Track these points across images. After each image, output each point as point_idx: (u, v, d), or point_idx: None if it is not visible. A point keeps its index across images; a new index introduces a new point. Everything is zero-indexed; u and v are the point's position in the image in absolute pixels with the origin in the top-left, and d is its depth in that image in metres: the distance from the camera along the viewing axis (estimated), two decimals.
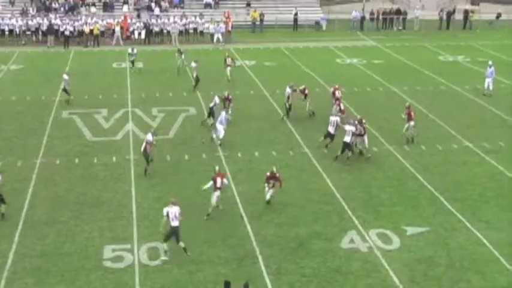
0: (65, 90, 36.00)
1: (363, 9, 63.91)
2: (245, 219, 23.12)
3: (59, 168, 27.62)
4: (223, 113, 30.09)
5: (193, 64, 39.19)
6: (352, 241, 21.90)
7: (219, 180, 23.09)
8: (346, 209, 24.16)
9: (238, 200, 24.57)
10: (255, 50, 52.44)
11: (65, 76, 36.39)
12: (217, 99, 32.02)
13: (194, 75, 38.98)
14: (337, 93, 33.82)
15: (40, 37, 53.82)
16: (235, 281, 18.17)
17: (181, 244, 20.50)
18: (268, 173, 24.20)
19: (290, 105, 33.40)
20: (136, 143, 29.49)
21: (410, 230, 22.65)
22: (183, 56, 42.87)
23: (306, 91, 33.73)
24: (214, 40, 53.78)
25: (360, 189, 26.01)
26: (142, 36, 54.27)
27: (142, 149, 26.74)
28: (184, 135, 31.59)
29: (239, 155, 29.15)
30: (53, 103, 35.89)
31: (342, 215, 23.74)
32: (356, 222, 23.20)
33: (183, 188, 25.05)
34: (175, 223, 20.42)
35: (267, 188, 24.19)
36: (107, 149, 29.70)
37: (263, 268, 20.17)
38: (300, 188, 25.97)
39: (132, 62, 44.20)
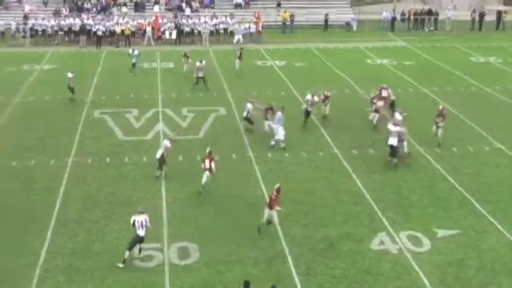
0: (70, 88, 36.31)
1: (394, 10, 63.60)
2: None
3: (91, 167, 27.88)
4: (279, 114, 29.97)
5: (198, 64, 39.17)
6: (382, 243, 21.79)
7: (207, 161, 24.68)
8: (376, 210, 24.06)
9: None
10: (285, 50, 52.41)
11: (69, 74, 36.40)
12: (249, 106, 31.79)
13: (199, 75, 38.85)
14: (384, 92, 33.74)
15: (72, 37, 54.46)
16: (264, 282, 18.23)
17: (135, 253, 20.48)
18: (274, 192, 21.90)
19: (310, 111, 33.09)
20: None
21: (441, 232, 22.47)
22: (189, 60, 42.83)
23: (328, 94, 33.44)
24: (235, 41, 53.43)
25: (390, 190, 25.87)
26: (173, 36, 54.60)
27: (158, 155, 26.48)
28: (214, 136, 31.66)
29: (269, 155, 29.16)
30: (84, 103, 36.23)
31: (372, 216, 23.64)
32: (386, 223, 23.09)
33: (212, 187, 25.08)
34: (141, 232, 20.26)
35: (268, 210, 21.77)
36: (137, 149, 29.91)
37: (292, 268, 20.15)
38: (330, 189, 25.92)
39: (133, 64, 44.16)
